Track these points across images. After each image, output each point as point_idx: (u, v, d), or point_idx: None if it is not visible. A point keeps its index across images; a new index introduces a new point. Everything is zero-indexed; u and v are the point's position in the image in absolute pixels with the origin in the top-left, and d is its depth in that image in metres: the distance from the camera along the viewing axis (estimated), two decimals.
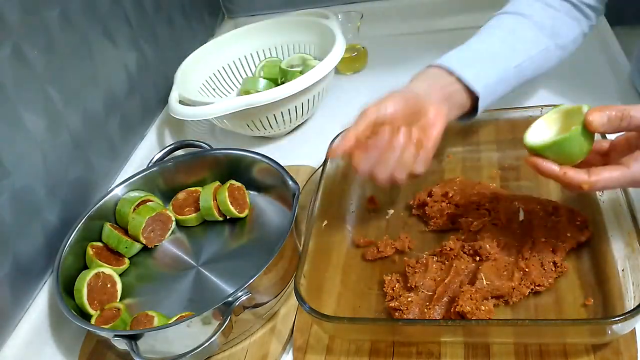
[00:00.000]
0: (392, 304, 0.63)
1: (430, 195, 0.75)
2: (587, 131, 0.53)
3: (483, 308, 0.60)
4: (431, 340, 0.61)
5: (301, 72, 0.99)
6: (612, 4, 0.78)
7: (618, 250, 0.62)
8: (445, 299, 0.63)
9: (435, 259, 0.67)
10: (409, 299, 0.63)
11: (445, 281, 0.63)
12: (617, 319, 0.51)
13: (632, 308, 0.51)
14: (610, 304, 0.59)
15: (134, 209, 0.80)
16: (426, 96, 0.67)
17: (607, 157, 0.58)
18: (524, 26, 0.75)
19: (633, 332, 0.57)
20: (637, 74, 0.88)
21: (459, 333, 0.59)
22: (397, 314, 0.62)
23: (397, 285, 0.66)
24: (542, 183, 0.74)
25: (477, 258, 0.65)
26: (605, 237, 0.64)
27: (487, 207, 0.71)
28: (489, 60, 0.72)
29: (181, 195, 0.86)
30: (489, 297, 0.62)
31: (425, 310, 0.62)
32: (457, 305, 0.60)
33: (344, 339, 0.64)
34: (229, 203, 0.80)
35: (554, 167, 0.54)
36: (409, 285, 0.64)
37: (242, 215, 0.82)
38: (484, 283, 0.62)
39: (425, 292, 0.64)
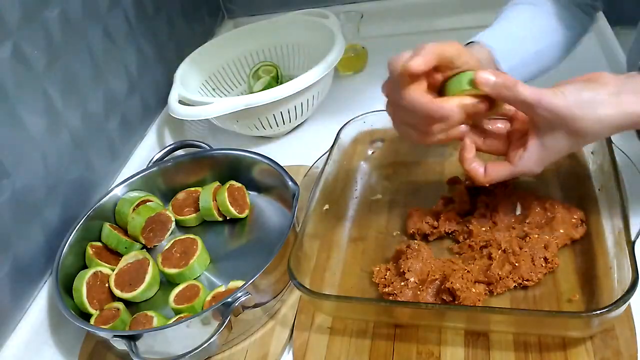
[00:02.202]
0: (385, 290, 0.64)
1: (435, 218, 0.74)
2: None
3: (474, 290, 0.60)
4: (419, 323, 0.62)
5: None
6: (612, 4, 0.78)
7: (610, 248, 0.62)
8: (437, 281, 0.63)
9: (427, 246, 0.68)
10: (402, 284, 0.63)
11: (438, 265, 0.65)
12: (592, 313, 0.52)
13: (600, 308, 0.51)
14: (595, 301, 0.59)
15: (134, 209, 0.80)
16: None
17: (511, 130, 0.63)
18: (541, 15, 0.74)
19: (633, 332, 0.57)
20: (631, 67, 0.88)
21: (449, 315, 0.60)
22: (390, 298, 0.63)
23: (388, 273, 0.66)
24: (541, 179, 0.74)
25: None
26: (600, 235, 0.65)
27: (485, 200, 0.71)
28: (515, 41, 0.72)
29: (181, 195, 0.86)
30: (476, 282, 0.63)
31: (418, 292, 0.62)
32: (448, 282, 0.60)
33: (343, 340, 0.64)
34: (228, 204, 0.80)
35: (474, 165, 0.62)
36: (401, 270, 0.65)
37: (241, 216, 0.82)
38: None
39: (418, 277, 0.64)
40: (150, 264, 0.75)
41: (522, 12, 0.75)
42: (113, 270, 0.75)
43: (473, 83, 0.56)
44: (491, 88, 0.56)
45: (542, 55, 0.74)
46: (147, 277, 0.73)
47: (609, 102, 0.54)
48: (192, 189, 0.86)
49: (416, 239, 0.71)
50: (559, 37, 0.75)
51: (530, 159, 0.59)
